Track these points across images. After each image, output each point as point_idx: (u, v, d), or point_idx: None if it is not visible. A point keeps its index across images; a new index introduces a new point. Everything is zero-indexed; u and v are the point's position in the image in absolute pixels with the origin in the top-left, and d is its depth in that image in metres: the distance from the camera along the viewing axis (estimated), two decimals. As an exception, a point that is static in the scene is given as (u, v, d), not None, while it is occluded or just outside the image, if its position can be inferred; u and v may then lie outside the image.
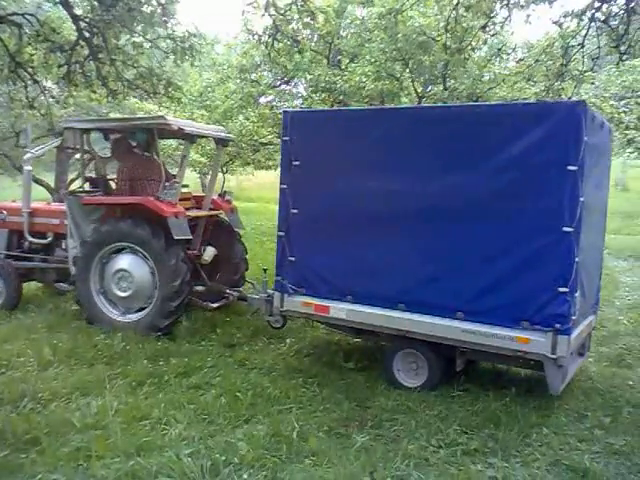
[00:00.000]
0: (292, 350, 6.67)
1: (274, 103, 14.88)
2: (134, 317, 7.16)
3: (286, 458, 4.23)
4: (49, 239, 8.27)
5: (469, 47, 10.20)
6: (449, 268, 5.27)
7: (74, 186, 13.21)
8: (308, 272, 5.94)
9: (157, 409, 4.93)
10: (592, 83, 13.10)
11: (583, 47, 8.70)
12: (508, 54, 13.66)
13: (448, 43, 9.68)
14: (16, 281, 8.19)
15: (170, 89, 11.02)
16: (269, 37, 9.54)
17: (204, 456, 4.14)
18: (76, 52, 9.52)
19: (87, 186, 8.14)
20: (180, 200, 7.29)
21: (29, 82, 10.36)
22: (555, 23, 8.42)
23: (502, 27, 9.92)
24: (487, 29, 9.16)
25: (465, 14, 8.92)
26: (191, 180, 11.69)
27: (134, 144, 7.95)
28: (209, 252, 7.80)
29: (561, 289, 4.78)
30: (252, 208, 19.60)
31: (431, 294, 5.33)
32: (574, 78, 10.71)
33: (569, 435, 4.72)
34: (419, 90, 13.35)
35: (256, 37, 10.08)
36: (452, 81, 12.51)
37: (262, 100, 14.89)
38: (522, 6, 8.27)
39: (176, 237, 6.82)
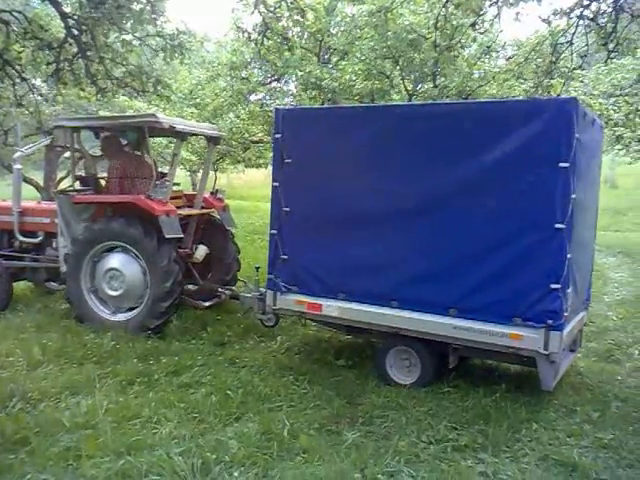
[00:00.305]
0: (283, 348, 6.67)
1: (264, 101, 14.85)
2: (124, 316, 7.13)
3: (277, 456, 4.24)
4: (40, 238, 8.23)
5: (459, 45, 10.21)
6: (441, 265, 5.29)
7: (64, 185, 13.14)
8: (300, 270, 5.93)
9: (147, 408, 4.92)
10: (581, 81, 13.17)
11: (572, 45, 8.73)
12: (498, 52, 13.70)
13: (438, 41, 9.68)
14: (7, 281, 8.15)
15: (159, 87, 10.96)
16: (259, 34, 9.52)
17: (195, 455, 4.14)
18: (64, 50, 9.45)
19: (77, 185, 8.10)
20: (171, 198, 7.27)
21: (17, 80, 10.28)
22: (544, 21, 8.45)
23: (492, 25, 9.96)
24: (476, 27, 9.17)
25: (455, 12, 8.93)
26: (181, 178, 11.64)
27: (125, 142, 7.92)
28: (201, 251, 7.79)
29: (553, 285, 4.80)
30: (243, 206, 19.55)
31: (424, 291, 5.34)
32: (563, 75, 10.75)
33: (558, 430, 4.75)
34: (409, 88, 13.36)
35: (246, 34, 10.05)
36: (442, 79, 12.53)
37: (252, 98, 14.86)
38: (511, 4, 8.27)
39: (167, 236, 6.79)
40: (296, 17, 9.40)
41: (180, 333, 6.99)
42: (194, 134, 8.29)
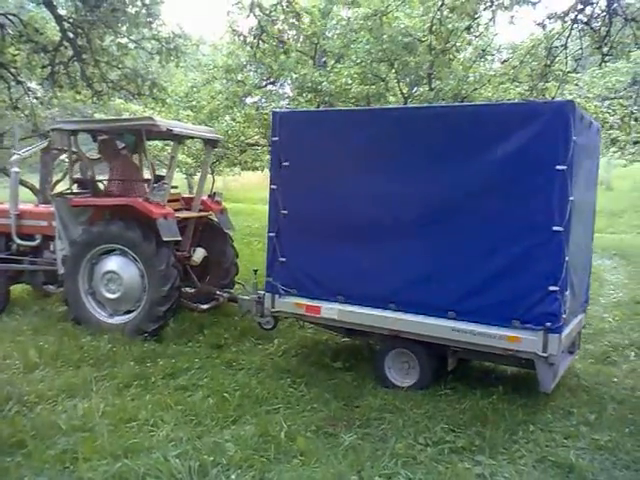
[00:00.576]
0: (280, 350, 6.66)
1: (260, 104, 14.88)
2: (121, 319, 7.12)
3: (274, 458, 4.23)
4: (37, 241, 8.20)
5: (454, 48, 10.27)
6: (440, 268, 5.29)
7: (60, 187, 13.12)
8: (299, 273, 5.92)
9: (144, 411, 4.91)
10: (576, 84, 13.24)
11: (566, 48, 8.78)
12: (493, 55, 13.77)
13: (433, 44, 9.73)
14: (4, 284, 8.13)
15: (155, 90, 10.99)
16: (254, 37, 9.54)
17: (192, 457, 4.13)
18: (60, 53, 9.47)
19: (75, 187, 8.08)
20: (169, 201, 7.26)
21: (12, 83, 10.29)
22: (539, 25, 8.49)
23: (487, 28, 10.01)
24: (471, 30, 9.22)
25: (450, 15, 8.98)
26: (178, 181, 11.68)
27: (122, 145, 7.91)
28: (199, 253, 7.78)
29: (551, 288, 4.81)
30: (239, 209, 19.55)
31: (422, 294, 5.34)
32: (558, 79, 10.81)
33: (555, 432, 4.76)
34: (405, 91, 13.41)
35: (241, 37, 10.08)
36: (438, 82, 12.58)
37: (248, 100, 14.88)
38: (506, 7, 8.34)
39: (165, 238, 6.78)
40: (291, 20, 9.44)
41: (177, 336, 6.98)
42: (191, 137, 8.28)
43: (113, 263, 7.14)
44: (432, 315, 5.30)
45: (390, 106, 11.73)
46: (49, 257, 8.01)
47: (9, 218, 8.13)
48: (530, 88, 10.64)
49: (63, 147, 8.27)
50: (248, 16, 9.15)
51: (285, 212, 5.96)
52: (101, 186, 7.99)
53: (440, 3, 8.71)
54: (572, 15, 8.04)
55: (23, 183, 14.78)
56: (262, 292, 6.34)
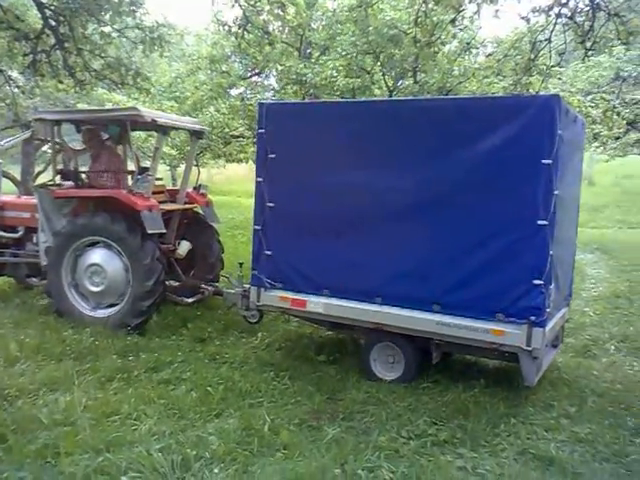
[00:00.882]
0: (264, 344, 6.66)
1: (245, 95, 14.79)
2: (104, 313, 7.05)
3: (257, 452, 4.23)
4: (20, 233, 8.10)
5: (439, 41, 10.26)
6: (425, 261, 5.30)
7: (42, 179, 12.96)
8: (285, 266, 5.91)
9: (127, 404, 4.89)
10: (559, 78, 13.32)
11: (550, 42, 8.81)
12: (477, 48, 13.80)
13: (418, 37, 9.71)
14: None
15: (139, 79, 10.88)
16: (239, 28, 9.48)
17: (175, 451, 4.12)
18: (42, 41, 9.33)
19: (58, 179, 7.98)
20: (154, 193, 7.20)
21: (-7, 72, 10.14)
22: (523, 18, 8.52)
23: (472, 22, 10.01)
24: (456, 23, 9.22)
25: (435, 8, 8.96)
26: (161, 173, 11.60)
27: (106, 136, 7.82)
28: (184, 246, 7.72)
29: (536, 282, 4.84)
30: (224, 201, 19.45)
31: (408, 287, 5.35)
32: (542, 73, 10.86)
33: (536, 425, 4.81)
34: (390, 84, 13.40)
35: (226, 28, 10.00)
36: (423, 75, 12.58)
37: (233, 92, 14.79)
38: (491, 1, 8.34)
39: (149, 231, 6.71)
40: (277, 11, 9.38)
41: (160, 329, 6.94)
42: (177, 128, 8.20)
43: (97, 256, 7.06)
44: (417, 309, 5.32)
45: (377, 99, 11.71)
46: (32, 249, 7.92)
47: None
48: (514, 82, 10.67)
49: (46, 138, 8.16)
50: (233, 6, 9.09)
51: (271, 205, 5.93)
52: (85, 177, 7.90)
53: (426, -5, 8.69)
54: (556, 9, 8.07)
55: (5, 174, 14.58)
56: (248, 285, 6.32)
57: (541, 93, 9.47)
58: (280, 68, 12.75)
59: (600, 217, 20.50)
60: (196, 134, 8.15)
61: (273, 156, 5.91)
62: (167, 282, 7.35)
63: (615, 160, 19.19)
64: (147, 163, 8.59)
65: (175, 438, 4.35)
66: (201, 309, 7.75)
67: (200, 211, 8.13)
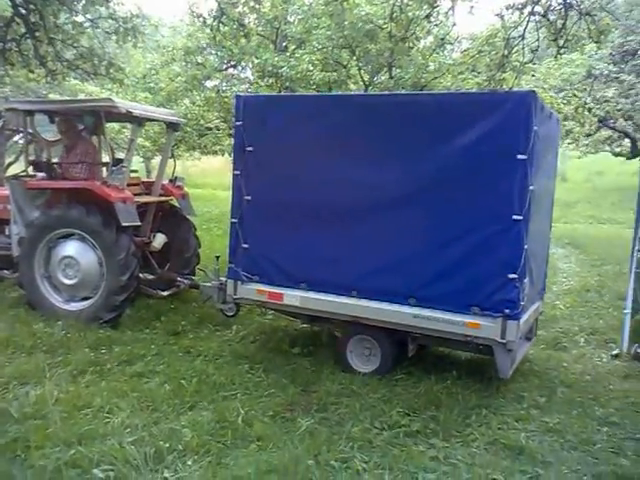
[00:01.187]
0: (238, 337, 6.65)
1: (220, 87, 14.70)
2: (77, 306, 6.95)
3: (231, 443, 4.23)
4: None
5: (413, 36, 10.32)
6: (401, 255, 5.32)
7: (14, 170, 12.71)
8: (262, 259, 5.89)
9: (99, 397, 4.84)
10: (532, 75, 13.48)
11: (524, 39, 8.93)
12: (452, 44, 13.90)
13: (393, 32, 9.75)
14: None
15: (112, 70, 10.74)
16: (214, 20, 9.41)
17: (147, 444, 4.10)
18: (12, 29, 9.15)
19: (31, 170, 7.83)
20: (129, 185, 7.10)
21: (-39, 60, 9.90)
22: (497, 15, 8.62)
23: (447, 17, 10.08)
24: (431, 19, 9.28)
25: (410, 3, 9.02)
26: (135, 165, 11.47)
27: (81, 127, 7.70)
28: (159, 239, 7.63)
29: (510, 276, 4.89)
30: (199, 194, 19.32)
31: (384, 281, 5.37)
32: (515, 69, 10.99)
33: (507, 415, 4.88)
34: (366, 79, 13.43)
35: (201, 20, 9.92)
36: (398, 70, 12.63)
37: (208, 84, 14.69)
38: (466, -3, 8.43)
39: (124, 223, 6.62)
40: (252, 4, 9.35)
41: (133, 322, 6.88)
42: (152, 119, 8.09)
43: (71, 248, 6.95)
44: (394, 302, 5.34)
45: (355, 93, 11.73)
46: (4, 241, 7.76)
47: None
48: (488, 78, 10.80)
49: (18, 128, 8.02)
50: (208, -2, 9.03)
51: (248, 198, 5.90)
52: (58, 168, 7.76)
53: (401, -9, 8.74)
54: (529, 7, 8.18)
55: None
56: (224, 279, 6.30)
57: (515, 89, 9.59)
58: (256, 61, 12.68)
59: (572, 212, 20.84)
60: (172, 126, 8.05)
61: (250, 149, 5.87)
62: (142, 275, 7.28)
63: (587, 157, 19.50)
64: (121, 155, 8.47)
65: (148, 430, 4.32)
66: (175, 302, 7.70)
67: (176, 204, 8.06)
